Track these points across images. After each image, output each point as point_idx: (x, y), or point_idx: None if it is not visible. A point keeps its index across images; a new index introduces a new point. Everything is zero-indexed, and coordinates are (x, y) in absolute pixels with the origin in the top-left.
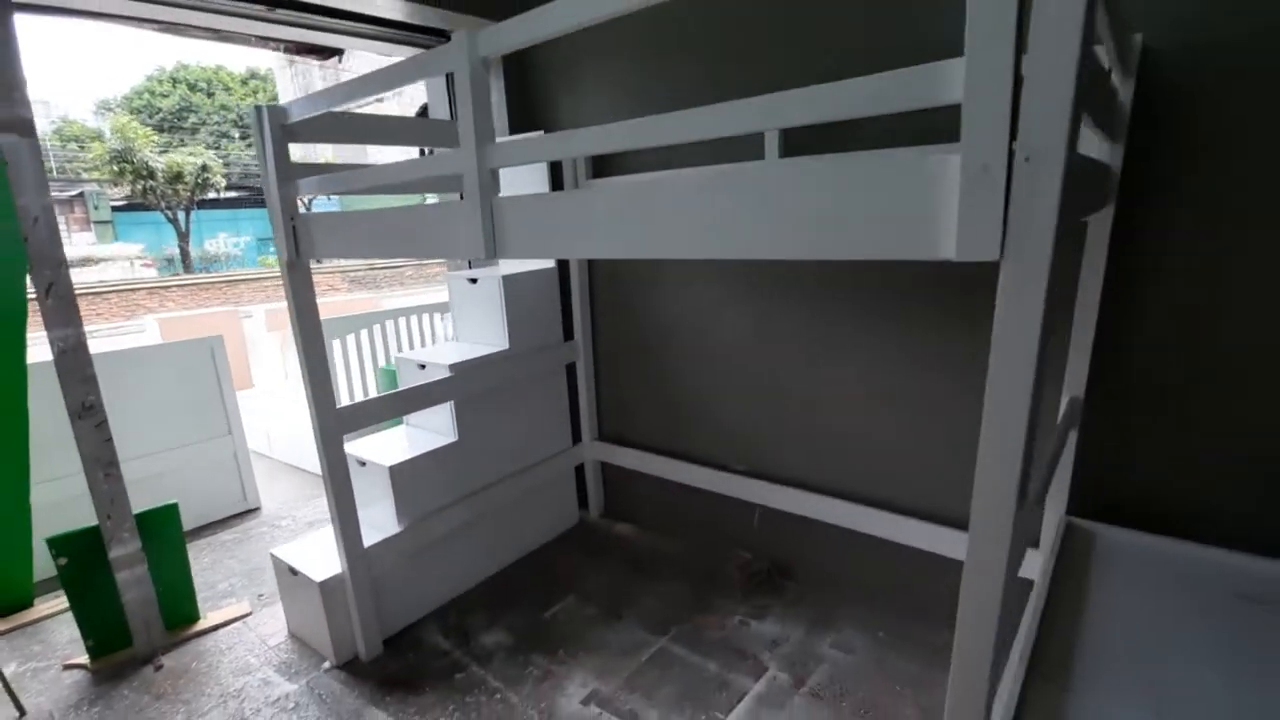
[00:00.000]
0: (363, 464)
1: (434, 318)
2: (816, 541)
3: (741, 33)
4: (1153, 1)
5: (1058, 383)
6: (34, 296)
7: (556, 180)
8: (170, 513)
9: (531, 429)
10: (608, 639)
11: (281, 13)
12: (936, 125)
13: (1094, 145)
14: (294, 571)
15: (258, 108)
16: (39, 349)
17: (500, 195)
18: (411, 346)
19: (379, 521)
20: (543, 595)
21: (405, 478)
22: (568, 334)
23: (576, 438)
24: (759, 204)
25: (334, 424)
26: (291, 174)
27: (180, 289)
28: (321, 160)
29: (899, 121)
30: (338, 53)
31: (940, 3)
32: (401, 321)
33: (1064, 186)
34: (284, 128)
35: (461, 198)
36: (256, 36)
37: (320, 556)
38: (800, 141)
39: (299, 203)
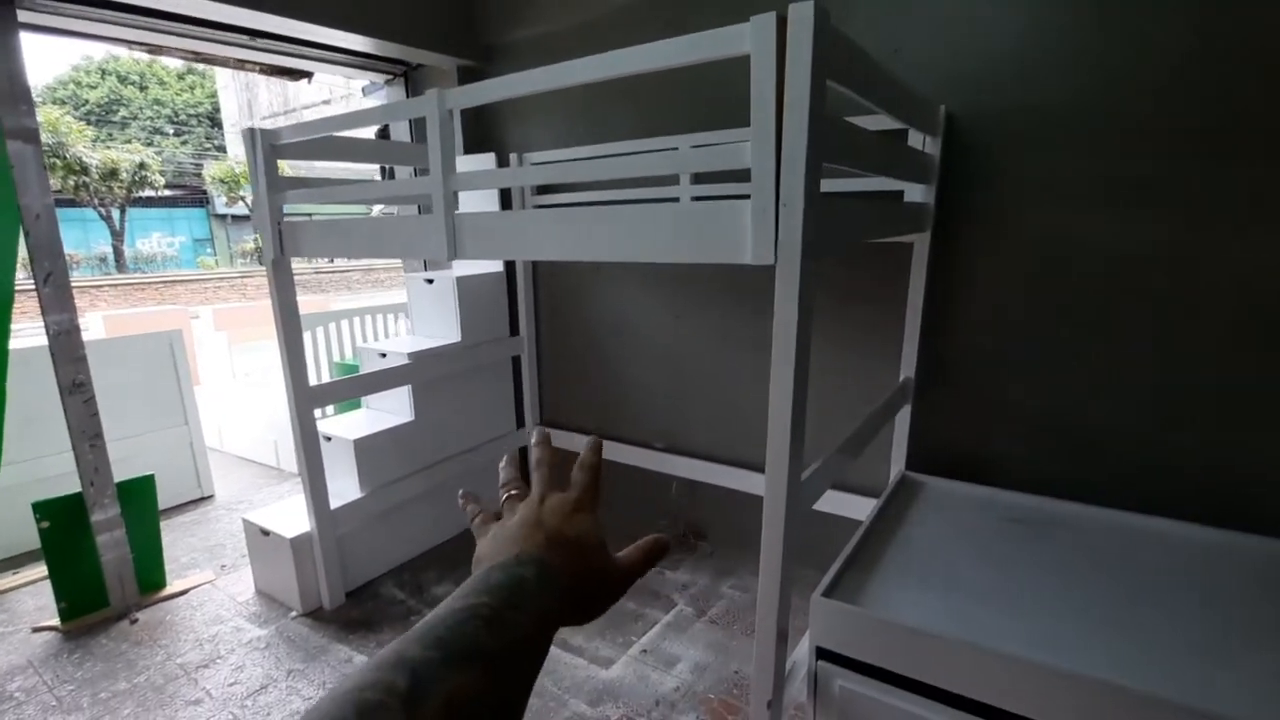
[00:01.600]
0: (328, 439)
1: (385, 318)
2: (727, 506)
3: (655, 86)
4: (953, 81)
5: (895, 365)
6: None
7: (505, 195)
8: (147, 483)
9: (480, 413)
10: None
11: (262, 41)
12: None
13: (914, 189)
14: (265, 532)
15: (251, 130)
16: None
17: (459, 210)
18: (365, 342)
19: (343, 490)
20: None
21: (367, 451)
22: (513, 330)
23: (520, 422)
24: (646, 227)
25: (307, 399)
26: (278, 185)
27: (113, 289)
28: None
29: None
30: (307, 74)
31: None
32: (357, 321)
33: (805, 221)
34: (274, 147)
35: (420, 211)
36: (235, 59)
37: (287, 521)
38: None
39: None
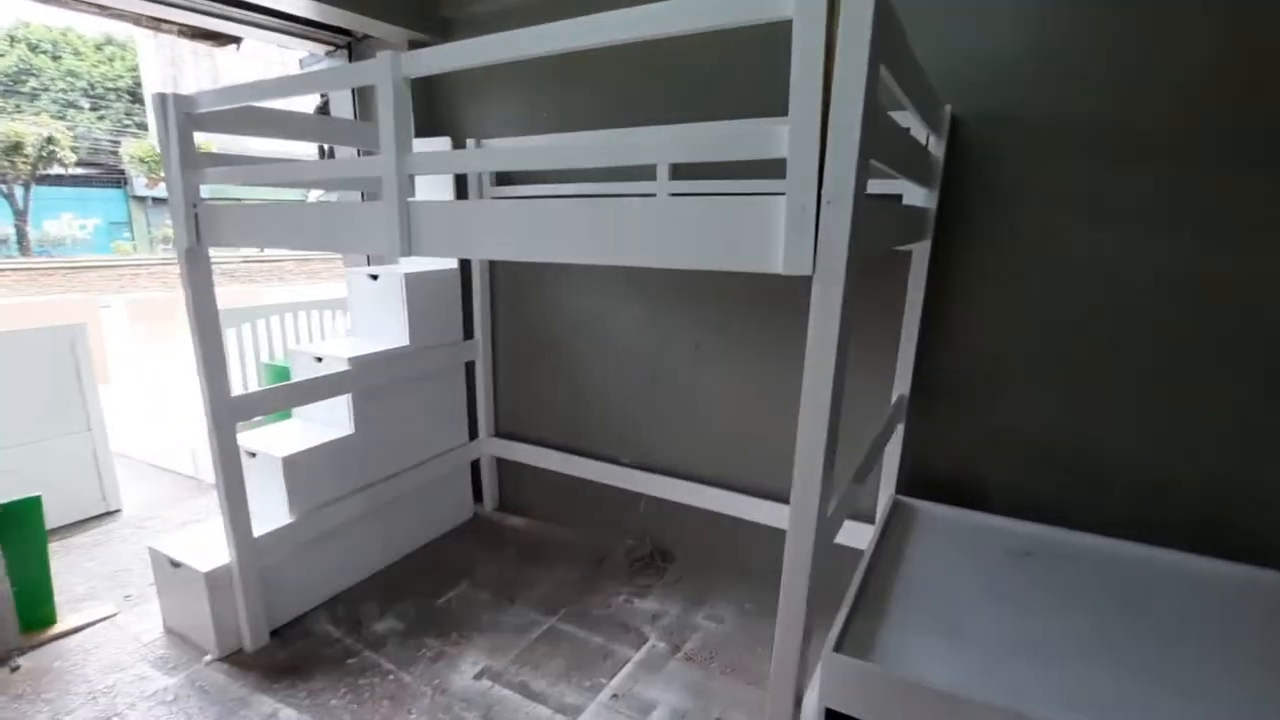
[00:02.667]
0: (253, 455)
1: (322, 314)
2: (696, 527)
3: (632, 66)
4: (958, 80)
5: (888, 381)
6: None
7: (461, 186)
8: (32, 507)
9: (429, 424)
10: (500, 621)
11: None
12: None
13: (916, 193)
14: (175, 564)
15: (162, 95)
16: None
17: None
18: (298, 342)
19: (269, 513)
20: (436, 584)
21: (298, 469)
22: (468, 333)
23: (473, 433)
24: (654, 225)
25: (227, 412)
26: (195, 162)
27: (14, 274)
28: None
29: None
30: (235, 40)
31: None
32: (289, 317)
33: (853, 223)
34: (189, 116)
35: (363, 197)
36: (148, 17)
37: (202, 549)
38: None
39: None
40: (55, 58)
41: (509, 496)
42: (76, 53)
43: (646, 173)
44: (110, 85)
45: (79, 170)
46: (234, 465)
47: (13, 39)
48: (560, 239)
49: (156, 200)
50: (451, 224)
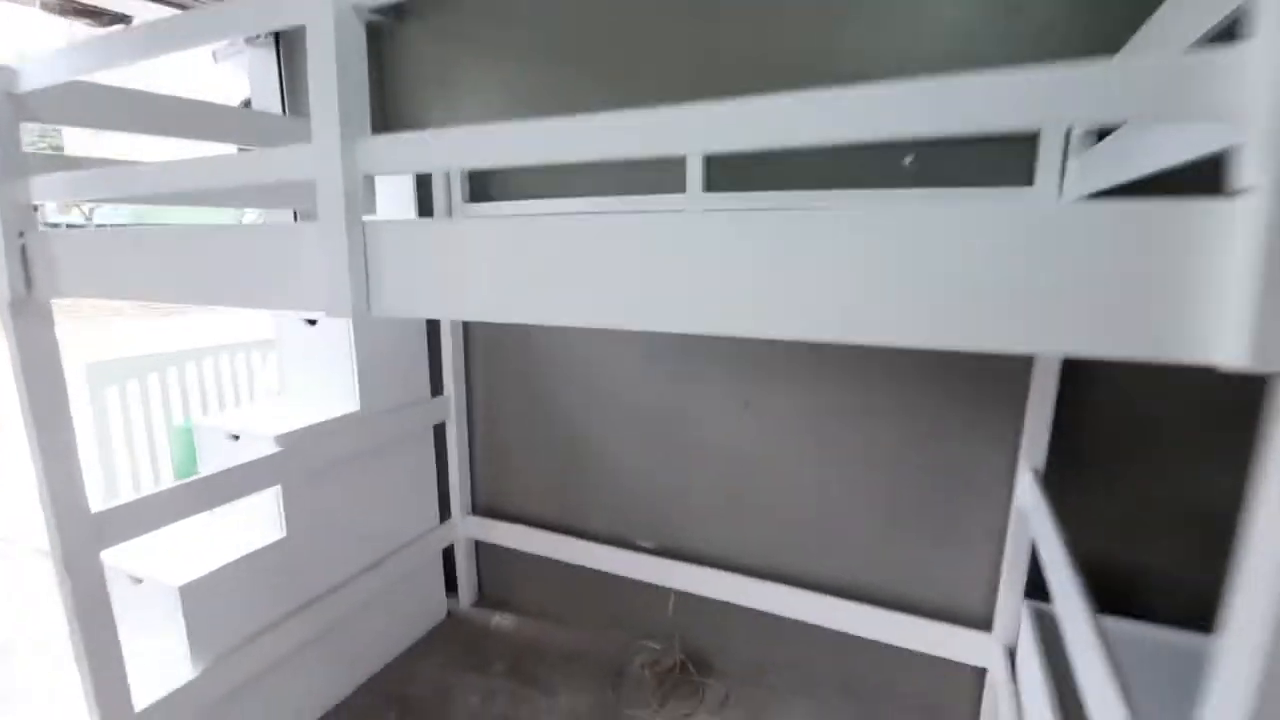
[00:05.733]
0: (139, 581)
1: (256, 355)
2: (741, 627)
3: (646, 46)
4: None
5: (1007, 453)
6: None
7: (425, 205)
8: None
9: (388, 509)
10: None
11: None
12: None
13: None
14: None
15: None
16: None
17: (371, 218)
18: (221, 399)
19: (163, 662)
20: None
21: (203, 600)
22: (436, 388)
23: (445, 513)
24: (775, 262)
25: (87, 537)
26: (24, 167)
27: None
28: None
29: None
30: (123, 19)
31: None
32: (208, 361)
33: None
34: (12, 97)
35: (296, 218)
36: None
37: None
38: (733, 172)
39: (38, 209)
40: None
41: (490, 588)
42: None
43: (672, 184)
44: None
45: None
46: (99, 616)
47: None
48: (623, 293)
49: (71, 228)
50: (429, 262)
